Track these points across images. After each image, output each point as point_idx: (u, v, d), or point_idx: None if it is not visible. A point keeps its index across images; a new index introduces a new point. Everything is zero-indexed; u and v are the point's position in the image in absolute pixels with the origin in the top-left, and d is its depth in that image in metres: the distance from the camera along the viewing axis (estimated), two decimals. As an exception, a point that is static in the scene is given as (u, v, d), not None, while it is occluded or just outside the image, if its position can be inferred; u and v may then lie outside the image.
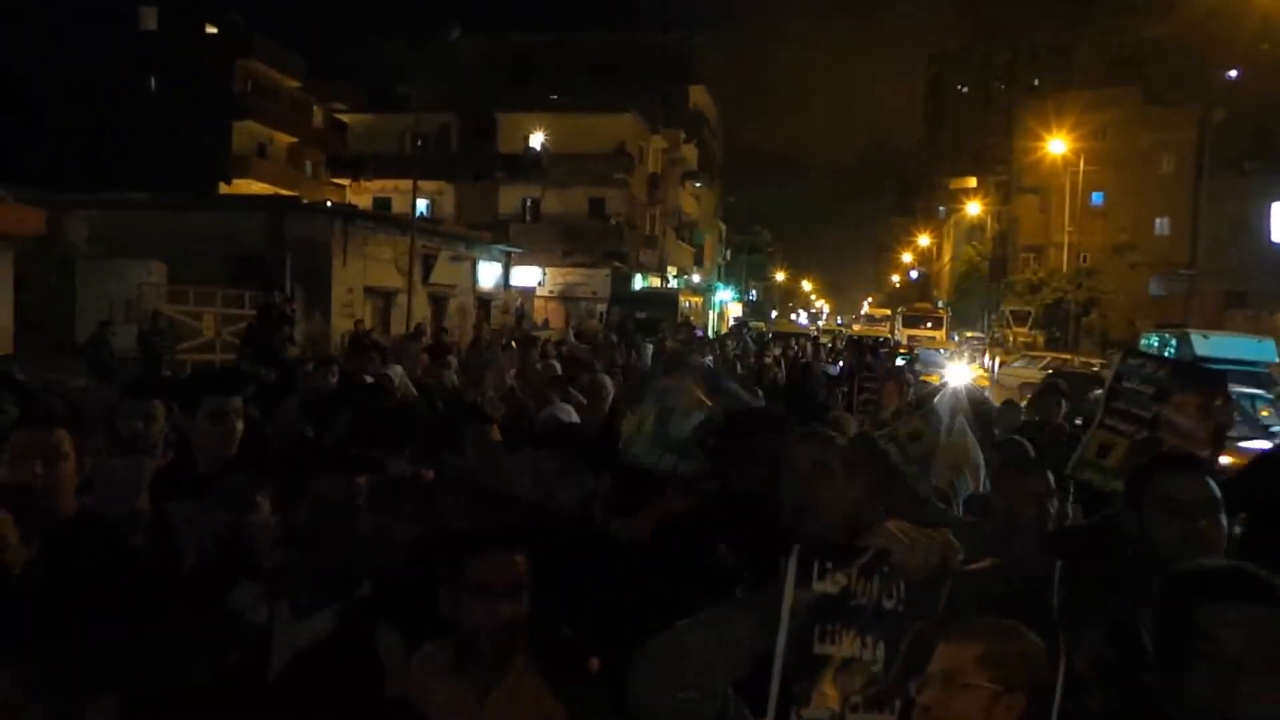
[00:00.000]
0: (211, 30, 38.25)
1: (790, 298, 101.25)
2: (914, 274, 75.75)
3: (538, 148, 36.04)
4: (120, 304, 16.48)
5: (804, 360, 12.38)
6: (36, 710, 1.57)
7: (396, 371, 6.57)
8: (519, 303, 30.82)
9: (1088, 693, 1.58)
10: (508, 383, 6.26)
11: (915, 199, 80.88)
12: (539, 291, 34.73)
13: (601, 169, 36.55)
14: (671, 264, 45.06)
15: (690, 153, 47.26)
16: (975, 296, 48.74)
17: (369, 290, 22.17)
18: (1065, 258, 38.96)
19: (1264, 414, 11.64)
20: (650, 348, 11.09)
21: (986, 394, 8.64)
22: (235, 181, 35.63)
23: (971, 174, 56.96)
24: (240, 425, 2.84)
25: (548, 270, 35.18)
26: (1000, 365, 24.40)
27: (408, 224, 23.43)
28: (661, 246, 43.59)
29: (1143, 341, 19.99)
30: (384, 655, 1.86)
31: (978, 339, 35.37)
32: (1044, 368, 20.47)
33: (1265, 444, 7.10)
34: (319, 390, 5.45)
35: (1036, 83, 47.76)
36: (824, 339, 27.15)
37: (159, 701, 1.77)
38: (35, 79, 34.94)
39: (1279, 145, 33.76)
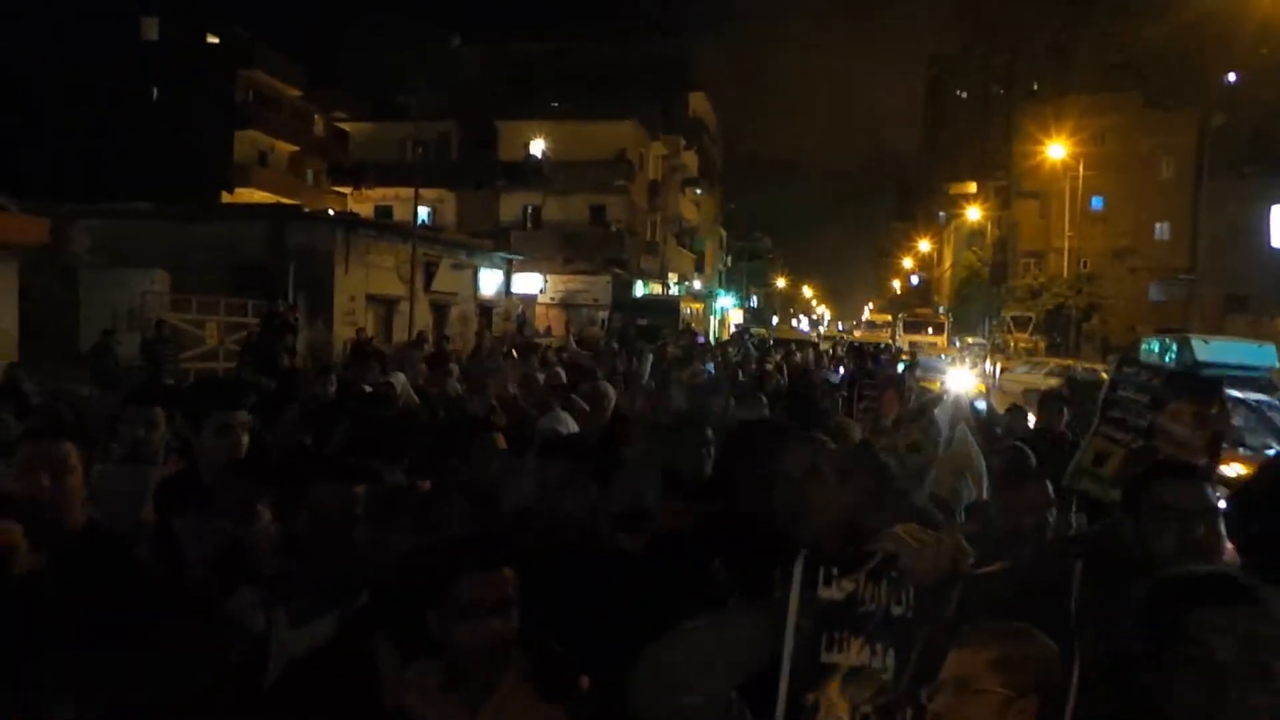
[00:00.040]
0: (213, 40, 38.42)
1: (791, 304, 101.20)
2: (915, 279, 75.76)
3: (538, 155, 36.13)
4: (123, 313, 16.51)
5: (805, 368, 12.40)
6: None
7: (399, 379, 6.60)
8: (520, 310, 30.86)
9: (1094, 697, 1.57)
10: (510, 391, 6.28)
11: (915, 204, 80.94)
12: (540, 299, 34.78)
13: (602, 176, 36.63)
14: (672, 271, 45.10)
15: (690, 159, 47.34)
16: (976, 302, 48.72)
17: (371, 298, 22.21)
18: (1065, 263, 38.96)
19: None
20: (650, 356, 11.10)
21: (984, 404, 8.64)
22: (237, 190, 35.72)
23: (971, 179, 57.02)
24: (246, 439, 2.86)
25: (549, 277, 35.23)
26: (1002, 371, 24.38)
27: (409, 232, 23.49)
28: (662, 253, 43.64)
29: (1143, 346, 19.93)
30: (381, 666, 1.86)
31: (979, 345, 35.35)
32: (1048, 373, 20.46)
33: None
34: (318, 399, 5.48)
35: (1036, 87, 47.76)
36: (825, 345, 27.14)
37: (158, 707, 1.78)
38: (39, 88, 35.09)
39: (1278, 149, 33.77)
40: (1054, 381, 16.71)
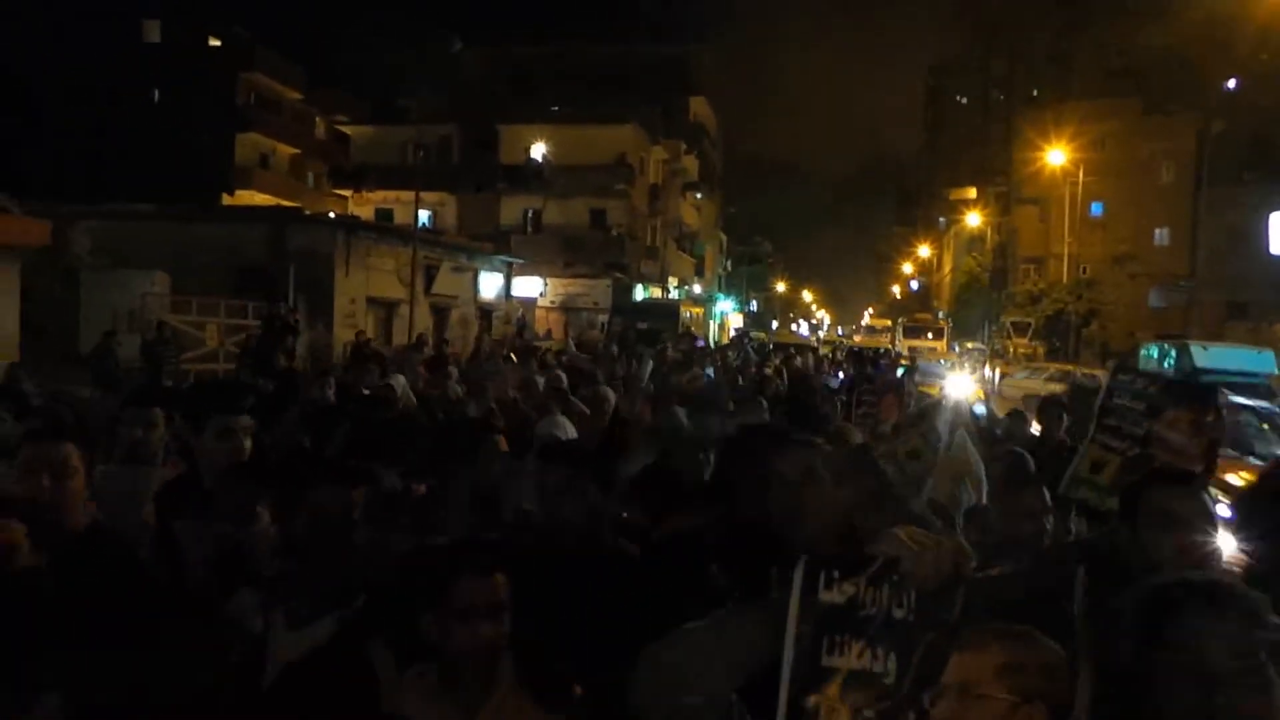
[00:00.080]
0: (215, 43, 38.49)
1: (791, 308, 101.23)
2: (914, 284, 75.81)
3: (539, 159, 36.19)
4: (124, 314, 16.53)
5: (804, 373, 12.40)
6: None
7: (399, 382, 6.61)
8: (520, 313, 30.88)
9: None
10: (510, 394, 6.30)
11: (915, 209, 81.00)
12: (540, 302, 34.81)
13: (602, 180, 36.69)
14: (672, 275, 45.15)
15: (691, 164, 47.42)
16: (976, 307, 48.75)
17: (371, 301, 22.23)
18: (1065, 269, 38.99)
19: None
20: (650, 360, 11.11)
21: (984, 409, 8.64)
22: (238, 192, 35.76)
23: (971, 184, 57.07)
24: (248, 443, 2.87)
25: (549, 281, 35.27)
26: (1002, 376, 24.40)
27: (410, 235, 23.52)
28: (662, 257, 43.69)
29: (1142, 352, 19.96)
30: (379, 670, 1.87)
31: (978, 350, 35.38)
32: (1048, 379, 20.47)
33: None
34: (316, 402, 5.49)
35: (1035, 93, 47.84)
36: (824, 349, 27.15)
37: (156, 708, 1.78)
38: (41, 89, 35.15)
39: (1278, 156, 33.81)
40: (1055, 387, 16.74)
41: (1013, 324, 37.25)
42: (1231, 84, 35.70)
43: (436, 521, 2.81)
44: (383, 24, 54.71)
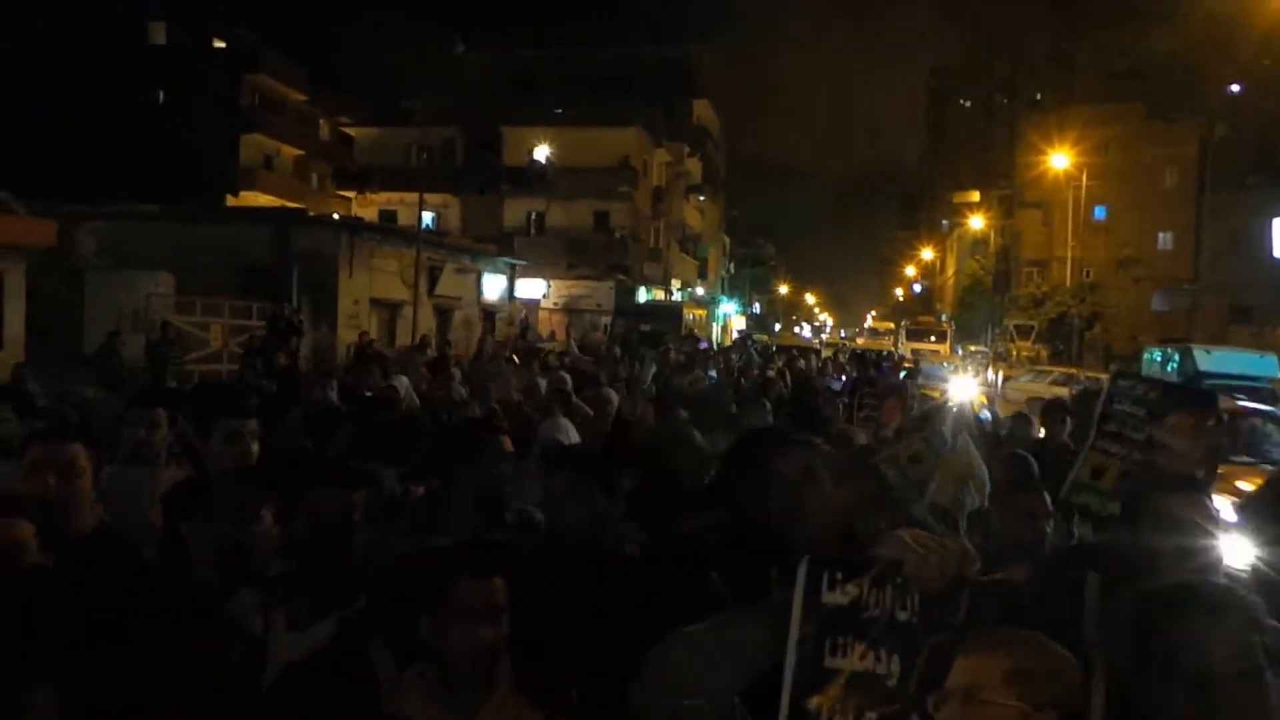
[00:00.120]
0: (219, 44, 38.60)
1: (794, 311, 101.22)
2: (918, 287, 75.77)
3: (542, 161, 36.24)
4: (128, 314, 16.57)
5: (808, 375, 12.41)
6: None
7: (402, 383, 6.63)
8: (523, 315, 30.91)
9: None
10: (514, 396, 6.31)
11: (918, 212, 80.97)
12: (544, 304, 34.84)
13: (606, 182, 36.73)
14: (675, 277, 45.17)
15: (694, 166, 47.46)
16: (979, 310, 48.71)
17: (375, 302, 22.26)
18: (1068, 272, 38.94)
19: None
20: (653, 364, 11.11)
21: (989, 414, 8.63)
22: (242, 193, 35.86)
23: (974, 188, 57.04)
24: (255, 447, 2.88)
25: (552, 283, 35.30)
26: (1005, 380, 24.38)
27: (413, 236, 23.56)
28: (665, 259, 43.71)
29: (1145, 356, 19.97)
30: (379, 670, 1.88)
31: (981, 353, 35.34)
32: (1052, 382, 20.44)
33: None
34: (319, 403, 5.50)
35: (1039, 97, 47.81)
36: (827, 352, 27.14)
37: (156, 708, 1.79)
38: (46, 91, 35.27)
39: (1281, 160, 33.75)
40: (1060, 390, 16.71)
41: (1016, 327, 37.20)
42: (1235, 88, 35.63)
43: (440, 523, 2.82)
44: (385, 26, 54.84)
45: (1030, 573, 2.23)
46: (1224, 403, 9.52)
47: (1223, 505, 3.24)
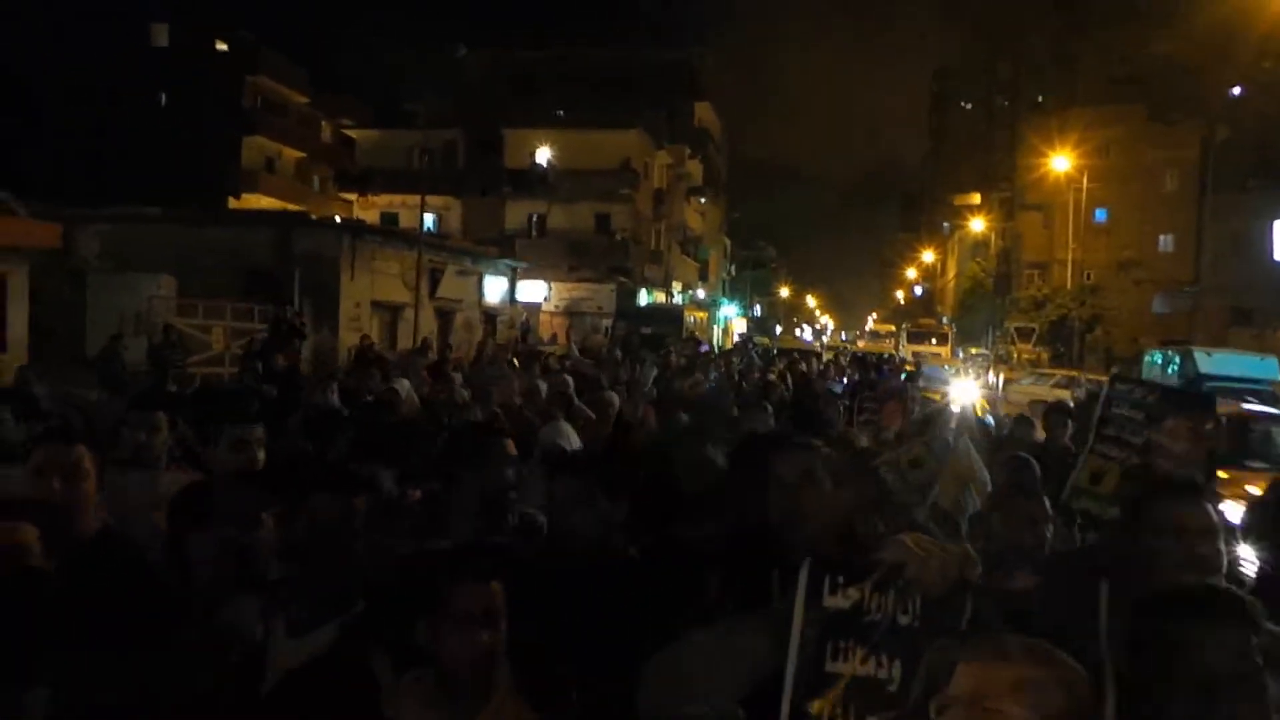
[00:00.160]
0: (221, 47, 38.67)
1: (795, 313, 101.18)
2: (918, 290, 75.77)
3: (544, 163, 36.28)
4: (130, 317, 16.59)
5: (809, 378, 12.41)
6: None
7: (404, 385, 6.63)
8: (525, 317, 30.93)
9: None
10: (515, 400, 6.31)
11: (920, 214, 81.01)
12: (545, 306, 34.84)
13: (607, 185, 36.77)
14: (676, 279, 45.18)
15: (695, 168, 47.50)
16: (980, 313, 48.72)
17: (376, 304, 22.28)
18: (1069, 274, 38.94)
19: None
20: (654, 366, 11.12)
21: (992, 417, 8.61)
22: (244, 196, 35.91)
23: (975, 190, 57.08)
24: (261, 454, 2.89)
25: (554, 285, 35.31)
26: (1006, 382, 24.36)
27: (415, 239, 23.58)
28: (667, 262, 43.73)
29: (1146, 358, 19.96)
30: (379, 676, 1.88)
31: (982, 356, 35.33)
32: (1055, 384, 20.42)
33: None
34: (320, 406, 5.51)
35: (1040, 99, 47.86)
36: (828, 355, 27.14)
37: (155, 712, 1.79)
38: (49, 93, 35.34)
39: (1282, 163, 33.73)
40: (1061, 393, 16.70)
41: (1017, 329, 37.19)
42: (1236, 91, 35.66)
43: (442, 526, 2.82)
44: (387, 28, 54.99)
45: (1035, 579, 2.23)
46: (1233, 407, 9.50)
47: (1234, 510, 3.25)
